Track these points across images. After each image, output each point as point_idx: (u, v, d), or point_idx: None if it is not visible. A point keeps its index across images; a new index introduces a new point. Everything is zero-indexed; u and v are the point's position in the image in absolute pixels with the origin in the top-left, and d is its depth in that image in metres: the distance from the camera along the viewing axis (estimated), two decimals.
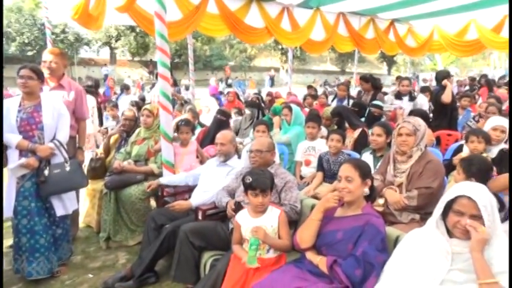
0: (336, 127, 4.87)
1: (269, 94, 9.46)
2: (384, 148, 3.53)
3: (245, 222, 2.44)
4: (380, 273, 1.94)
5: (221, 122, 4.96)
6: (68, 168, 3.16)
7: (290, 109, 4.96)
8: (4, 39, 23.27)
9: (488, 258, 1.64)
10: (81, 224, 4.24)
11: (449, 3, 8.19)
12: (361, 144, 4.37)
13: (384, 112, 5.38)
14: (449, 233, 1.80)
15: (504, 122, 3.53)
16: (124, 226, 3.86)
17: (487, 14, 9.28)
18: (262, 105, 6.89)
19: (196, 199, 3.19)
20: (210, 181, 3.34)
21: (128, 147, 4.16)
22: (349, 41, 9.79)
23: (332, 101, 7.79)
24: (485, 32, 9.68)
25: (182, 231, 2.78)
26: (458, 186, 1.80)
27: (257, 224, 2.37)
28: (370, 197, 2.36)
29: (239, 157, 3.58)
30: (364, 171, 2.25)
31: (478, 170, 2.61)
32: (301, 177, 4.23)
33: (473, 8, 8.59)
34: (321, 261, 2.14)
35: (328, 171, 3.79)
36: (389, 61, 30.49)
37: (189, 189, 3.61)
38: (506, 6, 8.42)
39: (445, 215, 1.79)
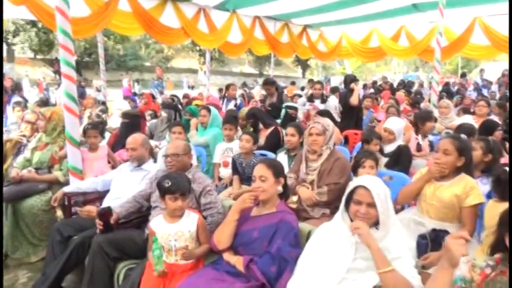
0: (251, 129, 4.97)
1: (186, 96, 9.30)
2: (297, 148, 3.69)
3: (160, 228, 2.35)
4: (294, 268, 2.03)
5: (130, 125, 4.70)
6: None
7: (208, 110, 4.94)
8: None
9: (386, 246, 1.81)
10: None
11: (354, 12, 8.89)
12: (273, 142, 4.52)
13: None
14: None
15: (394, 125, 3.90)
16: (25, 241, 3.48)
17: (387, 24, 10.30)
18: (179, 106, 6.74)
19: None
20: (123, 187, 3.17)
21: (28, 153, 3.77)
22: (265, 45, 10.09)
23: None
24: (385, 40, 10.71)
25: (95, 243, 2.59)
26: (357, 179, 1.98)
27: (173, 230, 2.30)
28: (284, 195, 2.45)
29: (155, 161, 3.46)
30: (277, 170, 2.34)
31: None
32: (220, 179, 4.23)
33: (375, 18, 9.45)
34: (237, 261, 2.16)
35: (243, 175, 3.84)
36: (304, 65, 32.08)
37: (99, 196, 3.38)
38: (404, 18, 9.44)
39: (348, 206, 1.94)
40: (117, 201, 2.98)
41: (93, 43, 22.50)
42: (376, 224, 1.88)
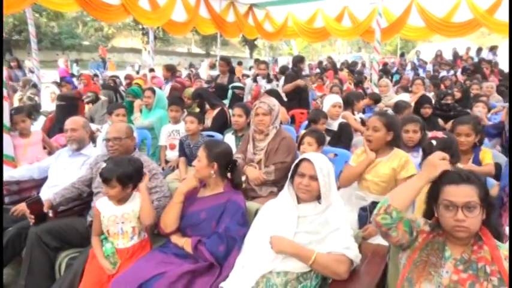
0: (197, 109, 4.89)
1: (128, 77, 8.91)
2: (244, 128, 3.69)
3: (106, 209, 2.25)
4: (242, 246, 2.06)
5: (66, 107, 4.42)
6: None
7: (153, 91, 4.77)
8: None
9: (325, 218, 1.90)
10: None
11: None
12: (219, 122, 4.50)
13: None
14: (299, 200, 2.01)
15: (339, 99, 4.11)
16: None
17: (331, 5, 10.48)
18: (122, 88, 6.45)
19: (46, 195, 2.82)
20: (62, 173, 3.00)
21: None
22: (211, 24, 9.88)
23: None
24: (329, 21, 10.92)
25: (33, 233, 2.45)
26: (303, 154, 2.06)
27: (119, 212, 2.22)
28: (234, 181, 2.40)
29: (95, 145, 3.29)
30: (212, 154, 2.28)
31: None
32: (166, 162, 4.14)
33: None
34: (185, 243, 2.16)
35: (191, 156, 3.78)
36: (251, 45, 31.92)
37: (36, 185, 3.17)
38: None
39: (293, 180, 2.01)
40: (55, 188, 2.82)
41: (23, 20, 20.62)
42: (318, 198, 1.95)
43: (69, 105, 4.50)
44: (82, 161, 3.05)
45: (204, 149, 2.30)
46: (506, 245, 1.51)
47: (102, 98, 5.18)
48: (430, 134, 2.65)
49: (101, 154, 2.89)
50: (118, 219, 2.23)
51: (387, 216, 1.54)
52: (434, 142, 2.36)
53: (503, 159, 3.09)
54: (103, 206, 2.28)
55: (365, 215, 2.46)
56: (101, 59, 21.31)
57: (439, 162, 1.57)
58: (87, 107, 5.44)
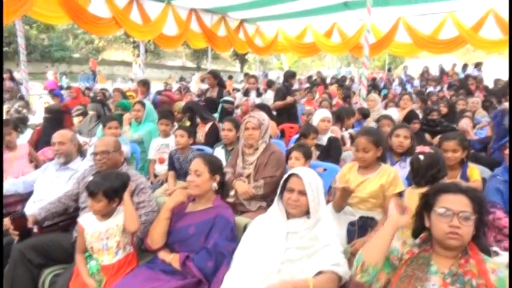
0: (188, 123, 4.89)
1: (117, 90, 8.87)
2: (234, 142, 3.69)
3: (90, 225, 2.21)
4: (231, 261, 2.04)
5: (53, 120, 4.37)
6: None
7: (143, 105, 4.76)
8: None
9: (315, 234, 1.89)
10: None
11: (289, 7, 9.10)
12: (212, 137, 4.48)
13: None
14: (288, 215, 2.00)
15: (328, 113, 4.12)
16: None
17: (320, 20, 10.68)
18: (109, 102, 6.43)
19: (31, 210, 2.76)
20: (48, 188, 2.95)
21: None
22: (202, 38, 9.96)
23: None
24: (319, 36, 11.11)
25: (16, 250, 2.39)
26: (292, 169, 2.06)
27: (104, 227, 2.18)
28: (223, 192, 2.44)
29: (83, 159, 3.25)
30: (213, 167, 2.32)
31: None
32: (155, 176, 4.11)
33: (309, 14, 9.76)
34: (173, 259, 2.13)
35: (180, 170, 3.76)
36: (242, 59, 32.13)
37: (21, 199, 3.11)
38: (336, 15, 9.85)
39: (282, 196, 2.00)
40: (41, 203, 2.77)
41: (12, 32, 20.50)
42: (307, 213, 1.94)
43: (55, 118, 4.44)
44: (69, 175, 3.01)
45: (203, 162, 2.29)
46: (500, 258, 1.53)
47: (90, 112, 5.13)
48: (418, 148, 2.67)
49: (88, 168, 2.85)
50: (102, 235, 2.19)
51: (365, 274, 1.58)
52: (421, 157, 2.39)
53: (487, 174, 3.13)
54: (87, 222, 2.23)
55: (353, 229, 2.46)
56: (91, 71, 21.20)
57: (400, 217, 1.65)
58: (76, 120, 5.39)
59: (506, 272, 1.47)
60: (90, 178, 2.24)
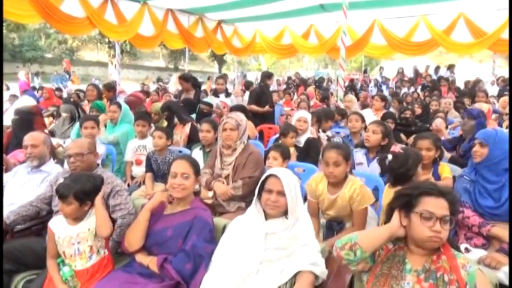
0: (165, 123, 4.83)
1: (92, 85, 8.68)
2: (212, 143, 3.68)
3: (60, 230, 2.15)
4: (209, 263, 2.02)
5: (21, 122, 4.20)
6: None
7: (119, 106, 4.67)
8: None
9: (294, 234, 1.90)
10: None
11: (267, 9, 9.15)
12: (194, 138, 4.45)
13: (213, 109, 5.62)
14: (266, 216, 2.00)
15: (305, 114, 4.16)
16: None
17: (298, 22, 10.78)
18: (83, 103, 6.27)
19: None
20: (19, 191, 2.85)
21: None
22: (179, 38, 9.88)
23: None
24: (296, 38, 11.21)
25: None
26: (270, 169, 2.06)
27: (75, 232, 2.12)
28: (199, 192, 2.44)
29: (57, 162, 3.16)
30: (197, 169, 2.33)
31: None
32: (132, 178, 4.04)
33: (286, 16, 9.83)
34: (151, 262, 2.09)
35: (158, 171, 3.72)
36: (220, 60, 32.03)
37: None
38: (313, 17, 9.96)
39: (261, 197, 2.00)
40: (12, 207, 2.66)
41: None
42: (285, 213, 1.95)
43: (24, 119, 4.28)
44: (42, 178, 2.92)
45: (189, 165, 2.27)
46: (471, 255, 1.58)
47: (63, 114, 4.97)
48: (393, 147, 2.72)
49: (62, 171, 2.77)
50: (73, 239, 2.13)
51: (351, 253, 1.58)
52: (390, 156, 2.44)
53: (458, 173, 3.22)
54: (57, 226, 2.17)
55: (331, 226, 2.50)
56: (66, 72, 20.66)
57: (401, 229, 1.63)
58: (47, 121, 5.22)
59: (476, 267, 1.52)
60: None
